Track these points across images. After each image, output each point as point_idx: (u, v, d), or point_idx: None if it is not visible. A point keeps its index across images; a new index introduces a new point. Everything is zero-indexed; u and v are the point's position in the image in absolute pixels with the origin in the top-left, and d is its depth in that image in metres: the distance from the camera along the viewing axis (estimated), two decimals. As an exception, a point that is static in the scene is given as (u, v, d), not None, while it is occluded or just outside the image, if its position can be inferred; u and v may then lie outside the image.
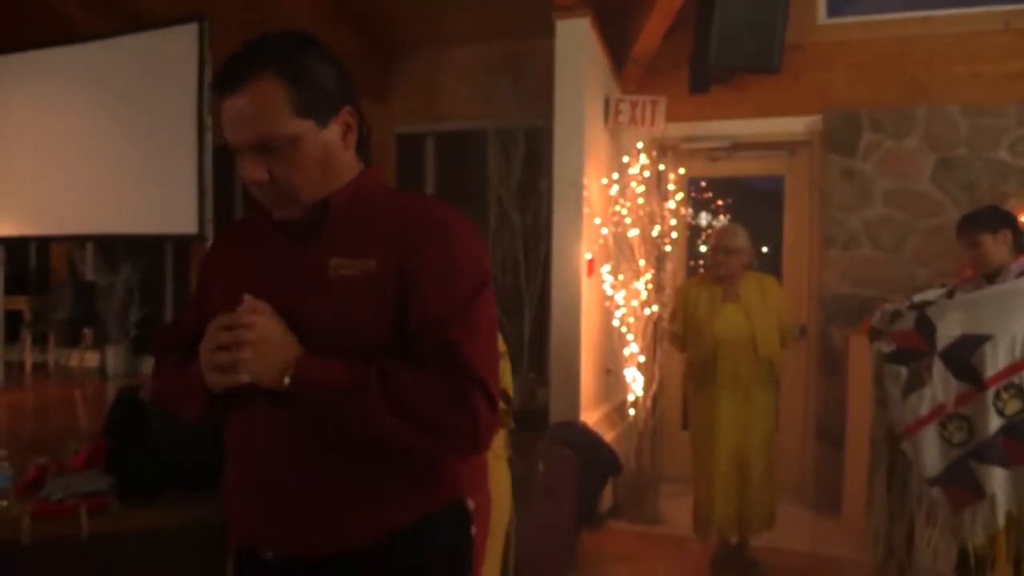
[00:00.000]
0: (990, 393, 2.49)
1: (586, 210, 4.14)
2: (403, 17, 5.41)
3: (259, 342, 1.15)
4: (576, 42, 4.16)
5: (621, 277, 4.49)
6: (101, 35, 5.39)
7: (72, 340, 6.61)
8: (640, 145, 4.60)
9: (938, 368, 2.58)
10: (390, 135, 5.86)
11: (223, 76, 1.18)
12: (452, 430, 1.16)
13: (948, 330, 2.60)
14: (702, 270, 4.63)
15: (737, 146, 5.01)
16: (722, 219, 5.10)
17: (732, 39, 4.05)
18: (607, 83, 4.64)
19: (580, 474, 3.66)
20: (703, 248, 4.68)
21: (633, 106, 4.57)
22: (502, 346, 2.05)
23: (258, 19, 4.71)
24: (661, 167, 4.73)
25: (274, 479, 1.23)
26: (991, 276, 2.84)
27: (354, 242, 1.23)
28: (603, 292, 4.48)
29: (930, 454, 2.57)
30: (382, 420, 1.13)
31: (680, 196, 4.59)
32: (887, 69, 4.63)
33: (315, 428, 1.19)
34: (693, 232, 5.08)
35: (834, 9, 4.81)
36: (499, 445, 2.24)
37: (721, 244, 3.64)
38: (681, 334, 3.79)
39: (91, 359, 6.54)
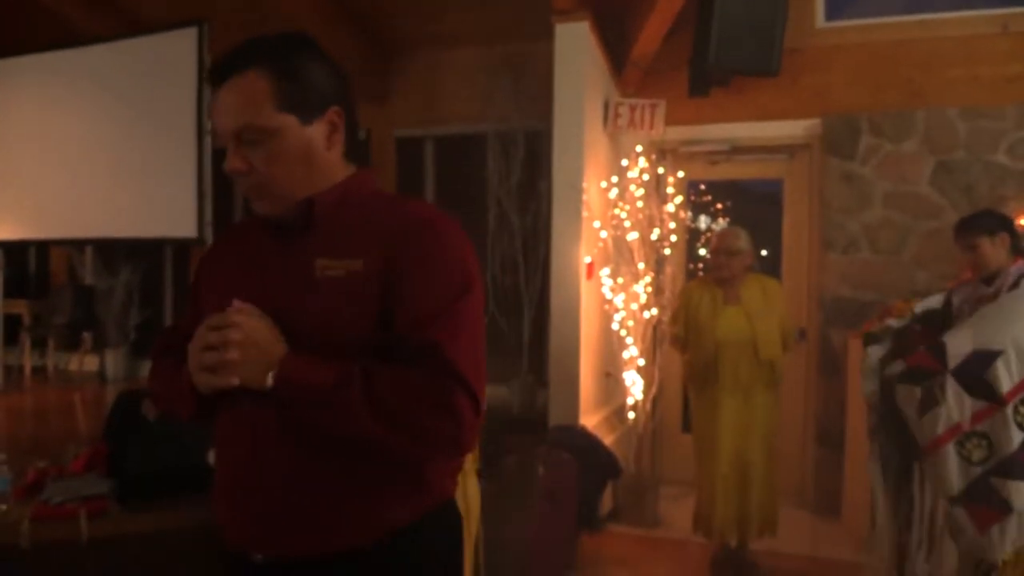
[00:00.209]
0: (1009, 408, 2.48)
1: (585, 213, 4.15)
2: (403, 18, 5.42)
3: (245, 342, 1.16)
4: (575, 45, 4.16)
5: (620, 280, 4.49)
6: (101, 38, 5.39)
7: (71, 344, 6.60)
8: (639, 148, 4.61)
9: (952, 386, 2.57)
10: (389, 137, 5.86)
11: (215, 68, 1.24)
12: (435, 431, 1.16)
13: (958, 348, 2.59)
14: (701, 273, 4.63)
15: (736, 149, 5.02)
16: (721, 222, 5.10)
17: (731, 41, 4.05)
18: (606, 86, 4.65)
19: (580, 477, 3.66)
20: (702, 251, 4.68)
21: (632, 109, 4.58)
22: None
23: (258, 19, 4.74)
24: (660, 170, 4.74)
25: (261, 480, 1.23)
26: (989, 279, 2.84)
27: (341, 243, 1.24)
28: (602, 295, 4.48)
29: (950, 473, 2.57)
30: (365, 420, 1.14)
31: (679, 199, 4.60)
32: (886, 72, 4.64)
33: (301, 428, 1.20)
34: (692, 235, 5.09)
35: (832, 12, 4.82)
36: (467, 458, 2.25)
37: (723, 246, 3.64)
38: (682, 336, 3.80)
39: (90, 363, 6.53)
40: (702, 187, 5.14)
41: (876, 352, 2.89)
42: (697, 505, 3.79)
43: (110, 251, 6.45)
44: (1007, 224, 2.88)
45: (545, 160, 4.73)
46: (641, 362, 4.54)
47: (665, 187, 4.64)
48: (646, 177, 4.53)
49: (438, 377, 1.15)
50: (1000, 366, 2.49)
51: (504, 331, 5.12)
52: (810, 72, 4.75)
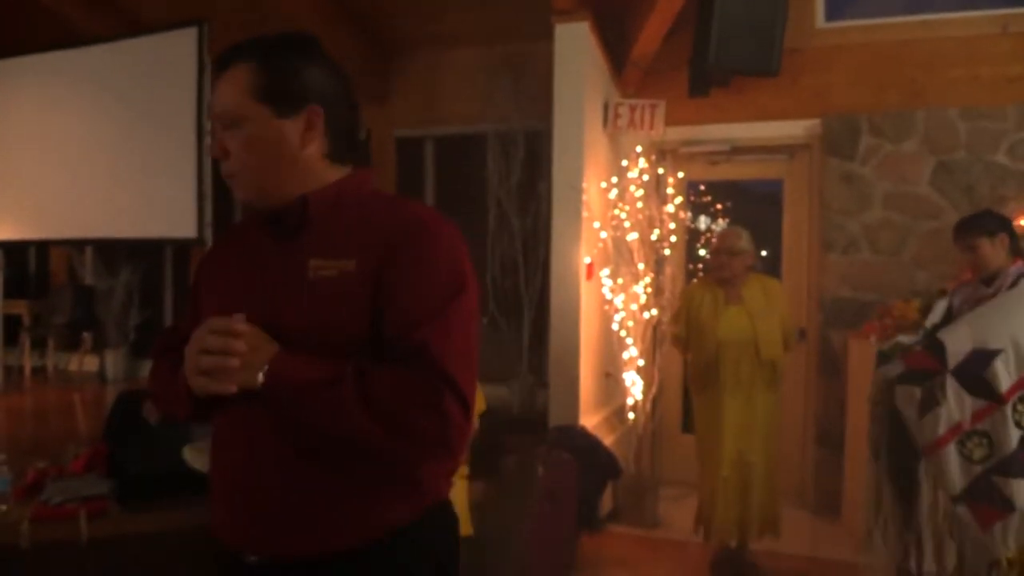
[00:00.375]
0: (1008, 407, 2.48)
1: (585, 214, 4.15)
2: (403, 18, 5.42)
3: (248, 353, 1.17)
4: (575, 46, 4.16)
5: (620, 281, 4.49)
6: (101, 39, 5.39)
7: (71, 344, 6.60)
8: (639, 149, 4.61)
9: (952, 386, 2.58)
10: (389, 138, 5.86)
11: (217, 60, 1.32)
12: (423, 432, 1.15)
13: (957, 347, 2.60)
14: (701, 274, 4.63)
15: (736, 150, 5.02)
16: (721, 223, 5.10)
17: (731, 41, 4.05)
18: (606, 86, 4.65)
19: (579, 478, 3.66)
20: (702, 252, 4.68)
21: (632, 110, 4.57)
22: None
23: (258, 19, 4.74)
24: (660, 171, 4.74)
25: (255, 481, 1.23)
26: (988, 280, 2.85)
27: (334, 243, 1.24)
28: (602, 296, 4.48)
29: (952, 473, 2.57)
30: (354, 420, 1.13)
31: (679, 200, 4.60)
32: (886, 72, 4.64)
33: (295, 429, 1.20)
34: (692, 236, 5.09)
35: (833, 12, 4.82)
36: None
37: (724, 246, 3.64)
38: (684, 336, 3.80)
39: (90, 363, 6.53)
40: (702, 187, 5.14)
41: (889, 371, 2.88)
42: (699, 506, 3.79)
43: (110, 251, 6.45)
44: (1006, 225, 2.88)
45: (545, 160, 4.73)
46: (641, 362, 4.54)
47: (665, 187, 4.64)
48: (646, 178, 4.53)
49: (427, 378, 1.15)
50: (999, 365, 2.50)
51: (504, 331, 5.12)
52: (810, 72, 4.75)
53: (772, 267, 5.02)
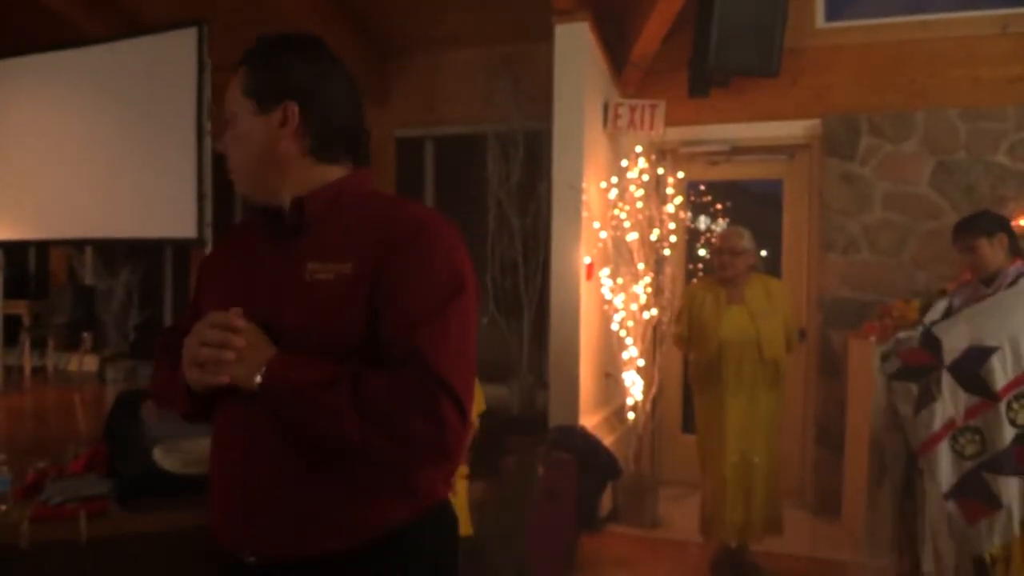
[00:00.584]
0: (1003, 405, 2.49)
1: (585, 214, 4.15)
2: (403, 18, 5.42)
3: (244, 348, 1.17)
4: (575, 46, 4.16)
5: (620, 281, 4.49)
6: (101, 39, 5.38)
7: (71, 344, 6.60)
8: (639, 149, 4.61)
9: (947, 381, 2.58)
10: (389, 138, 5.86)
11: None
12: (418, 436, 1.14)
13: (954, 343, 2.60)
14: (701, 274, 4.63)
15: (736, 150, 5.02)
16: (721, 223, 5.10)
17: (731, 42, 4.06)
18: (606, 87, 4.65)
19: (579, 478, 3.66)
20: (702, 252, 4.69)
21: (632, 110, 4.57)
22: None
23: (258, 20, 4.73)
24: (660, 171, 4.74)
25: (254, 481, 1.23)
26: (988, 280, 2.85)
27: (332, 245, 1.24)
28: (602, 296, 4.48)
29: (944, 469, 2.57)
30: (350, 422, 1.13)
31: (679, 200, 4.60)
32: (886, 73, 4.64)
33: (291, 429, 1.20)
34: (692, 236, 5.09)
35: (833, 13, 4.82)
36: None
37: (727, 246, 3.64)
38: (686, 335, 3.80)
39: (90, 363, 6.54)
40: (702, 187, 5.14)
41: (887, 369, 2.89)
42: (702, 506, 3.79)
43: (110, 251, 6.45)
44: (1005, 225, 2.89)
45: (545, 161, 4.73)
46: (641, 362, 4.54)
47: (665, 188, 4.64)
48: (646, 178, 4.53)
49: (422, 382, 1.15)
50: (995, 362, 2.51)
51: (504, 331, 5.12)
52: (810, 72, 4.75)
53: (772, 267, 5.02)
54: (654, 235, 4.52)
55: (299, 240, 1.27)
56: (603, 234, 4.42)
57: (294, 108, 1.27)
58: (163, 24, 5.05)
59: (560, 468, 3.52)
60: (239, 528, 1.26)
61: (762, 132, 4.90)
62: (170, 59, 4.90)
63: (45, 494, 2.33)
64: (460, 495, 2.33)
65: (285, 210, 1.29)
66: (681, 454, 4.92)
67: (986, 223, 2.88)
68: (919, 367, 2.69)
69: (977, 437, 2.53)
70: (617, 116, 4.58)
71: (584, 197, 4.12)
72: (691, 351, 3.83)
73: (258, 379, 1.17)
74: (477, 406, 2.29)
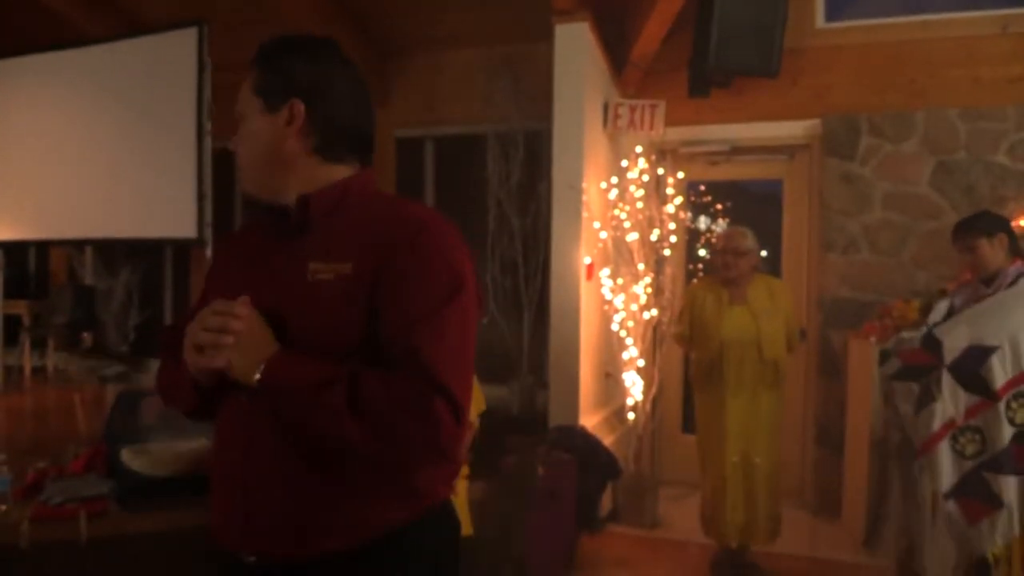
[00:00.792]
0: (1002, 404, 2.49)
1: (585, 214, 4.15)
2: (403, 18, 5.41)
3: (243, 332, 1.18)
4: (575, 46, 4.16)
5: (620, 281, 4.49)
6: (101, 39, 5.38)
7: (71, 344, 6.59)
8: (639, 149, 4.61)
9: (947, 381, 2.59)
10: (389, 138, 5.86)
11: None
12: (413, 437, 1.14)
13: (955, 342, 2.61)
14: (701, 274, 4.63)
15: (736, 150, 5.02)
16: (721, 223, 5.10)
17: (731, 42, 4.06)
18: (606, 87, 4.65)
19: (579, 478, 3.66)
20: (702, 252, 4.68)
21: (632, 110, 4.57)
22: None
23: (258, 20, 4.73)
24: (660, 171, 4.73)
25: (254, 481, 1.24)
26: (988, 280, 2.85)
27: (333, 245, 1.25)
28: (602, 296, 4.48)
29: (945, 468, 2.57)
30: (344, 423, 1.13)
31: (679, 200, 4.60)
32: (886, 73, 4.64)
33: (291, 428, 1.20)
34: (692, 236, 5.09)
35: (833, 13, 4.82)
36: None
37: (730, 246, 3.64)
38: (687, 335, 3.81)
39: (90, 363, 6.52)
40: (702, 188, 5.13)
41: (888, 368, 2.89)
42: (703, 507, 3.79)
43: (110, 251, 6.44)
44: (1005, 225, 2.89)
45: (545, 161, 4.73)
46: (641, 363, 4.54)
47: (665, 188, 4.64)
48: (646, 178, 4.53)
49: (417, 384, 1.15)
50: (995, 362, 2.51)
51: (504, 332, 5.12)
52: (810, 72, 4.75)
53: (772, 267, 5.02)
54: (654, 235, 4.52)
55: (303, 239, 1.27)
56: (603, 234, 4.42)
57: (300, 106, 1.28)
58: (163, 24, 5.04)
59: (560, 468, 3.52)
60: (239, 528, 1.26)
61: (762, 132, 4.90)
62: (170, 59, 4.89)
63: (45, 494, 2.33)
64: (460, 495, 2.33)
65: (290, 209, 1.29)
66: (681, 454, 4.92)
67: (986, 223, 2.88)
68: (919, 367, 2.69)
69: (977, 436, 2.54)
70: (617, 116, 4.58)
71: (584, 197, 4.12)
72: (692, 350, 3.83)
73: (257, 376, 1.17)
74: (477, 406, 2.28)
